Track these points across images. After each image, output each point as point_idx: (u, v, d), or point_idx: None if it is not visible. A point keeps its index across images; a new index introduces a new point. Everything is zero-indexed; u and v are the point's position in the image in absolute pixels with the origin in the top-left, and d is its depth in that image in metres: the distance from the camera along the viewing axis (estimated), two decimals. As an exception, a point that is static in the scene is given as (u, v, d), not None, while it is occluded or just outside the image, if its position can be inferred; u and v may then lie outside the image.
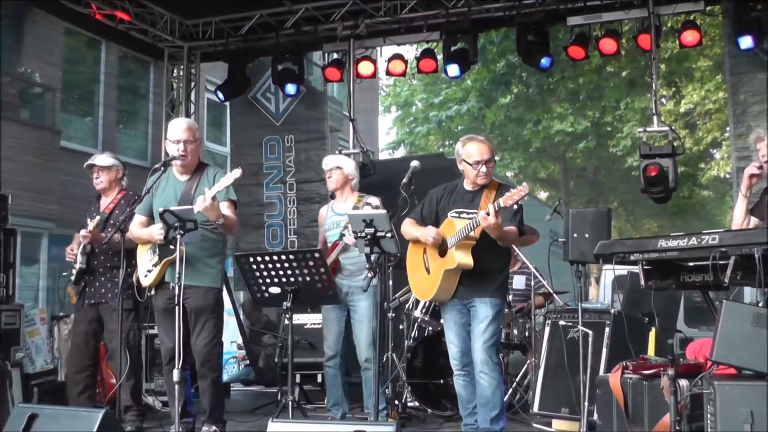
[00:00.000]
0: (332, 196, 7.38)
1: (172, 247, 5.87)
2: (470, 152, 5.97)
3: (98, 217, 6.95)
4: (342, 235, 6.95)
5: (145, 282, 6.33)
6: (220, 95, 11.77)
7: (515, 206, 5.62)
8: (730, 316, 4.57)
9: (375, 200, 7.00)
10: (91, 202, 7.28)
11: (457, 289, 5.90)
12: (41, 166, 14.41)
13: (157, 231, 6.05)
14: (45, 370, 8.55)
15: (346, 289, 6.93)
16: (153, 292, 6.35)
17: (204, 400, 6.34)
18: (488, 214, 5.45)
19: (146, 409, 7.55)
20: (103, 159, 7.22)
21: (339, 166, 7.16)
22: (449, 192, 6.14)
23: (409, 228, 6.11)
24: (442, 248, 5.88)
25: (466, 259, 5.75)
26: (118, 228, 6.46)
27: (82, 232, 6.90)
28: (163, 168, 6.26)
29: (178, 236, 5.65)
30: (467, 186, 6.06)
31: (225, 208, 6.09)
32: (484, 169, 5.92)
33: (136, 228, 6.38)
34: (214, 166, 6.73)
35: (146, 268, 6.30)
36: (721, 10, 9.88)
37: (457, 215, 5.89)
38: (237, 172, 5.84)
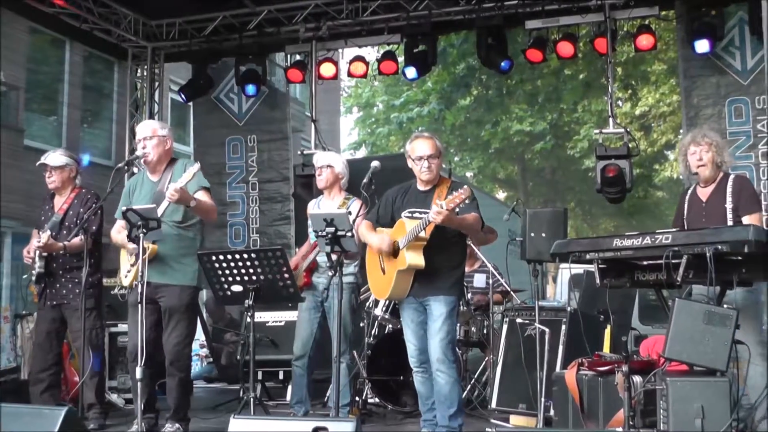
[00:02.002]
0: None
1: (146, 246, 5.88)
2: (414, 148, 6.01)
3: (49, 231, 6.83)
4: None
5: (125, 282, 6.37)
6: (183, 96, 11.80)
7: (473, 198, 5.68)
8: (683, 313, 4.68)
9: (356, 206, 6.83)
10: (45, 200, 7.22)
11: (412, 287, 5.92)
12: (5, 165, 14.27)
13: (130, 246, 6.14)
14: (8, 369, 8.51)
15: (323, 286, 6.89)
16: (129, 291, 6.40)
17: (170, 398, 6.35)
18: (437, 213, 5.48)
19: (109, 407, 7.50)
20: (54, 158, 7.07)
21: (330, 164, 7.12)
22: (403, 192, 6.17)
23: (364, 231, 6.14)
24: (395, 249, 5.93)
25: (416, 259, 5.79)
26: (76, 233, 6.48)
27: (34, 242, 6.88)
28: (126, 167, 6.28)
29: (141, 235, 5.67)
30: (420, 186, 6.09)
31: (201, 196, 6.19)
32: (426, 164, 5.93)
33: (115, 232, 6.44)
34: (182, 159, 6.72)
35: (126, 268, 6.34)
36: (675, 15, 10.08)
37: (410, 215, 5.92)
38: (195, 166, 6.00)
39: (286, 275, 5.94)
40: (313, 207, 7.25)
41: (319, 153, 7.56)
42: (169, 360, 6.25)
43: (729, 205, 5.79)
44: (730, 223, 5.57)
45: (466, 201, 5.49)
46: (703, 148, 5.96)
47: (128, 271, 6.30)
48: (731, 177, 5.94)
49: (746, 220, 5.67)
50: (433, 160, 5.95)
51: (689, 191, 6.17)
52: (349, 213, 6.66)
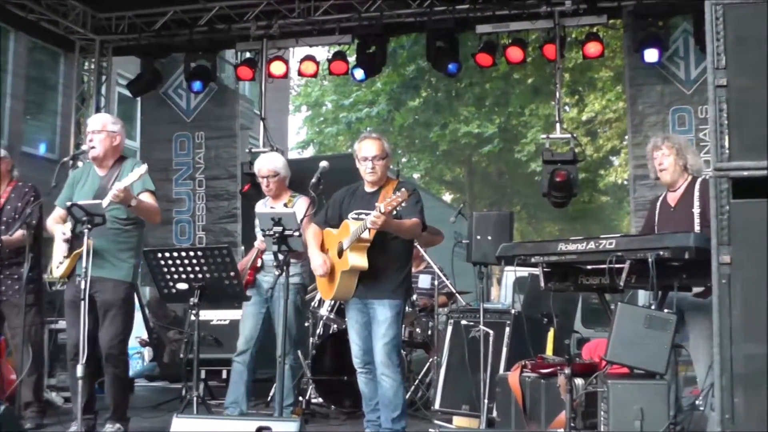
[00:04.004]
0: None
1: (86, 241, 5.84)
2: (360, 148, 6.02)
3: None
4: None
5: (56, 273, 6.23)
6: (130, 91, 11.71)
7: (415, 199, 5.76)
8: (624, 317, 4.73)
9: (302, 203, 6.84)
10: None
11: (357, 288, 5.92)
12: (-58, 158, 13.98)
13: (60, 232, 6.06)
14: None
15: (267, 285, 6.85)
16: (63, 285, 6.30)
17: (107, 397, 6.26)
18: (375, 218, 5.49)
19: (47, 406, 7.35)
20: None
21: (276, 172, 7.01)
22: (351, 193, 6.17)
23: (309, 238, 6.14)
24: (339, 250, 5.94)
25: (359, 260, 5.79)
26: (18, 228, 6.39)
27: None
28: (72, 161, 6.20)
29: (86, 230, 5.61)
30: (367, 187, 6.10)
31: (146, 197, 6.13)
32: (370, 165, 5.94)
33: (51, 222, 6.33)
34: (132, 158, 6.64)
35: (58, 260, 6.20)
36: (623, 24, 10.23)
37: (356, 216, 5.91)
38: (143, 168, 5.90)
39: (232, 274, 5.90)
40: (261, 206, 7.19)
41: (261, 160, 7.27)
42: (104, 356, 6.13)
43: (696, 210, 5.70)
44: (697, 228, 5.54)
45: (403, 204, 5.51)
46: (663, 153, 5.90)
47: (60, 263, 6.16)
48: (699, 180, 5.84)
49: None
50: (378, 161, 5.95)
51: (660, 198, 6.11)
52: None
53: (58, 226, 6.19)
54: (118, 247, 6.16)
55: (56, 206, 6.36)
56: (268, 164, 7.11)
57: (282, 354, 6.01)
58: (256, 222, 7.09)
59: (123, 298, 6.22)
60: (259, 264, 7.04)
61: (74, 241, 6.03)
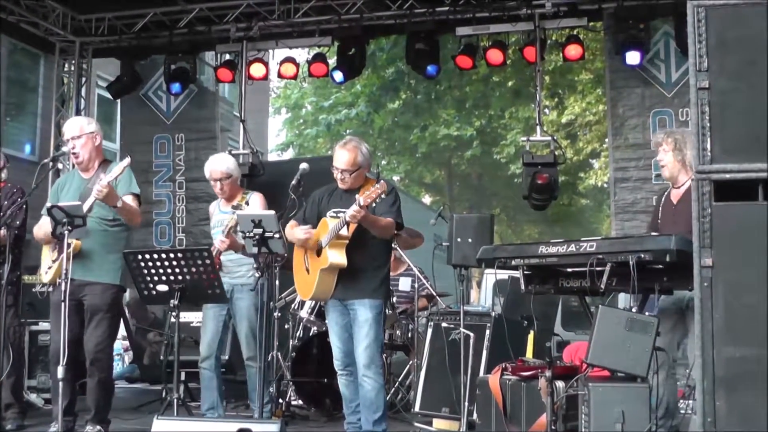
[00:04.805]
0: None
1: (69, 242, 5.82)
2: (334, 157, 6.01)
3: None
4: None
5: (46, 278, 6.24)
6: (110, 94, 11.67)
7: (392, 199, 5.80)
8: (605, 320, 4.73)
9: (256, 198, 6.87)
10: None
11: (336, 288, 5.90)
12: None
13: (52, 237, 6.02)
14: None
15: (227, 286, 6.69)
16: (51, 288, 6.28)
17: (90, 399, 6.22)
18: (356, 212, 5.49)
19: (27, 407, 7.35)
20: None
21: (229, 174, 6.93)
22: (329, 193, 6.16)
23: (290, 230, 6.11)
24: (318, 248, 5.91)
25: (338, 258, 5.78)
26: (2, 225, 6.34)
27: None
28: (51, 163, 6.16)
29: (66, 232, 5.57)
30: (343, 189, 6.08)
31: (129, 201, 6.11)
32: (340, 176, 5.96)
33: (37, 228, 6.31)
34: (116, 162, 6.59)
35: (47, 265, 6.20)
36: (603, 27, 10.24)
37: (334, 215, 5.88)
38: (126, 161, 5.92)
39: (213, 275, 5.88)
40: (215, 209, 7.13)
41: (212, 162, 7.04)
42: (89, 360, 6.11)
43: None
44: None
45: (382, 196, 5.51)
46: (663, 149, 5.87)
47: (49, 267, 6.17)
48: None
49: None
50: (345, 174, 5.93)
51: (664, 195, 6.07)
52: (248, 205, 6.65)
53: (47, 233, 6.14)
54: (105, 249, 6.13)
55: (42, 215, 6.30)
56: (220, 166, 6.97)
57: (261, 353, 6.00)
58: (212, 223, 7.05)
59: (111, 302, 6.20)
60: (217, 265, 6.98)
61: (60, 246, 6.00)
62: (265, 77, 11.48)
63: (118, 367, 11.48)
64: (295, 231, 6.02)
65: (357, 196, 5.59)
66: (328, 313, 6.13)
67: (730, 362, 3.82)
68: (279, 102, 30.91)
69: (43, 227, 6.22)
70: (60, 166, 10.24)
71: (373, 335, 5.85)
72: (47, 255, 6.26)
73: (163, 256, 5.83)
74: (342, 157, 5.94)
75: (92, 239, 6.01)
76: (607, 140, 13.28)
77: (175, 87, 11.12)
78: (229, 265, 6.86)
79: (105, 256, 6.14)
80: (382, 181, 5.56)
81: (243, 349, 6.85)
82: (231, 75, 11.09)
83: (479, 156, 26.33)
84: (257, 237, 5.82)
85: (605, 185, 23.34)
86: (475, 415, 6.12)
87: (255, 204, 6.78)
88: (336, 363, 6.08)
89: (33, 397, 8.11)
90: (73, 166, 6.40)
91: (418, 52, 10.39)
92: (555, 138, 10.80)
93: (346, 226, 5.68)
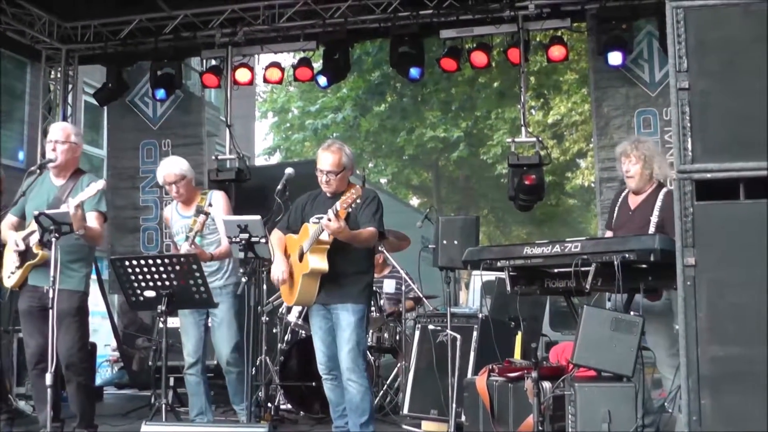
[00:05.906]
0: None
1: (35, 251, 5.95)
2: (318, 159, 6.00)
3: None
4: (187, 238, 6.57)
5: (8, 283, 6.23)
6: (96, 100, 11.67)
7: (374, 207, 5.80)
8: (590, 320, 4.76)
9: (218, 196, 6.80)
10: None
11: (319, 293, 5.90)
12: None
13: (13, 241, 6.05)
14: None
15: None
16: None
17: (73, 405, 6.22)
18: (330, 219, 5.48)
19: (16, 414, 7.32)
20: None
21: (183, 175, 6.77)
22: (312, 198, 6.16)
23: (273, 242, 6.09)
24: (300, 254, 5.91)
25: (320, 263, 5.77)
26: None
27: None
28: (39, 170, 6.16)
29: (53, 239, 5.57)
30: (328, 193, 6.07)
31: (93, 219, 6.06)
32: (325, 178, 5.94)
33: (5, 227, 6.29)
34: (90, 174, 6.55)
35: (10, 270, 6.18)
36: (587, 27, 10.28)
37: (317, 221, 5.85)
38: (100, 183, 5.89)
39: (200, 281, 5.87)
40: (172, 213, 6.98)
41: (164, 167, 6.86)
42: (64, 365, 6.06)
43: (654, 219, 5.76)
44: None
45: (358, 200, 5.51)
46: (631, 161, 5.95)
47: (12, 273, 6.16)
48: (663, 191, 5.86)
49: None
50: (330, 175, 5.92)
51: (622, 194, 6.16)
52: (210, 205, 6.60)
53: (11, 234, 6.17)
54: (69, 258, 6.04)
55: (8, 213, 6.30)
56: (173, 169, 6.82)
57: (248, 358, 6.00)
58: (174, 230, 6.97)
59: (77, 307, 6.18)
60: None
61: (26, 252, 6.05)
62: (251, 82, 11.47)
63: (107, 373, 11.46)
64: (276, 254, 6.06)
65: (337, 203, 5.57)
66: (312, 318, 6.13)
67: (714, 361, 3.83)
68: (265, 106, 30.95)
69: (8, 226, 6.25)
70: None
71: (355, 339, 5.84)
72: (9, 259, 6.21)
73: (150, 262, 5.82)
74: (326, 159, 5.93)
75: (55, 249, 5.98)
76: (593, 140, 13.32)
77: (160, 93, 11.11)
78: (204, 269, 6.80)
79: (69, 264, 6.06)
80: (357, 186, 5.56)
81: (222, 354, 6.74)
82: (216, 80, 11.11)
83: (466, 157, 26.36)
84: (243, 242, 5.83)
85: (592, 185, 23.37)
86: (463, 417, 6.12)
87: (218, 203, 6.71)
88: (320, 367, 6.08)
89: (22, 404, 8.08)
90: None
91: (402, 55, 10.40)
92: (540, 139, 10.82)
93: (322, 232, 5.67)
